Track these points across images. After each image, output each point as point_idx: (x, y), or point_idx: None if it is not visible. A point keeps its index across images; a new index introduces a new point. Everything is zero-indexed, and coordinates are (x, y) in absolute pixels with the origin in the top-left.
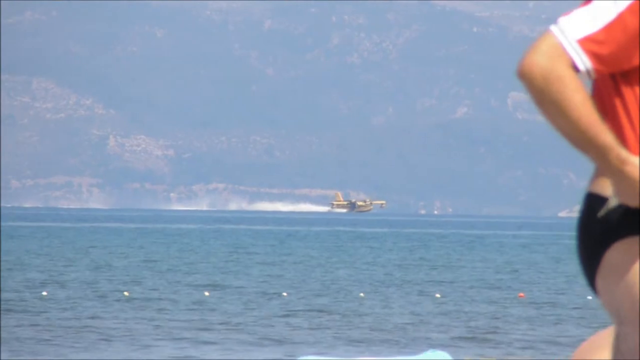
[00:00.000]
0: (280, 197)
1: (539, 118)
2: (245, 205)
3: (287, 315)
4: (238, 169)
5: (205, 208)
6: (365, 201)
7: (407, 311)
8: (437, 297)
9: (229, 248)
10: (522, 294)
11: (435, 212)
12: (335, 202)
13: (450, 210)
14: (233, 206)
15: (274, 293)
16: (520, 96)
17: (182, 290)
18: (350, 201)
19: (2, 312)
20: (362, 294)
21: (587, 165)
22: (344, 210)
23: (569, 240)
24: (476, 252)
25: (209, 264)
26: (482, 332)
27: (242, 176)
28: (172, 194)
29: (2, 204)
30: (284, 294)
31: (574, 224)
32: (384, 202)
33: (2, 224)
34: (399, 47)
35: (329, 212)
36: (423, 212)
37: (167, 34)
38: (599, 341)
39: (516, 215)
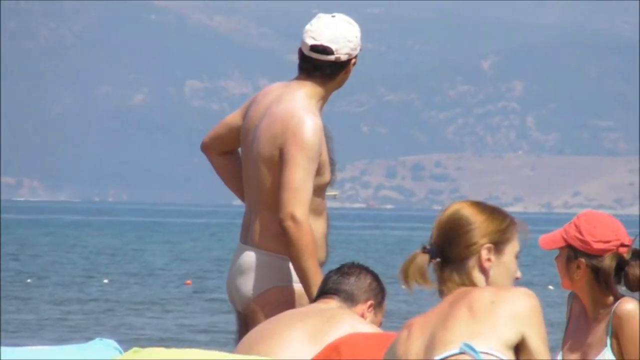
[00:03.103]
0: None
1: (215, 106)
2: None
3: None
4: None
5: None
6: None
7: (74, 298)
8: (105, 283)
9: None
10: (189, 281)
11: (110, 199)
12: None
13: (126, 197)
14: None
15: None
16: (197, 84)
17: None
18: None
19: None
20: (29, 280)
21: None
22: None
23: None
24: (151, 239)
25: None
26: (148, 321)
27: None
28: None
29: None
30: None
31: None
32: (337, 192)
33: None
34: (76, 34)
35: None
36: (97, 199)
37: None
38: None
39: (194, 203)
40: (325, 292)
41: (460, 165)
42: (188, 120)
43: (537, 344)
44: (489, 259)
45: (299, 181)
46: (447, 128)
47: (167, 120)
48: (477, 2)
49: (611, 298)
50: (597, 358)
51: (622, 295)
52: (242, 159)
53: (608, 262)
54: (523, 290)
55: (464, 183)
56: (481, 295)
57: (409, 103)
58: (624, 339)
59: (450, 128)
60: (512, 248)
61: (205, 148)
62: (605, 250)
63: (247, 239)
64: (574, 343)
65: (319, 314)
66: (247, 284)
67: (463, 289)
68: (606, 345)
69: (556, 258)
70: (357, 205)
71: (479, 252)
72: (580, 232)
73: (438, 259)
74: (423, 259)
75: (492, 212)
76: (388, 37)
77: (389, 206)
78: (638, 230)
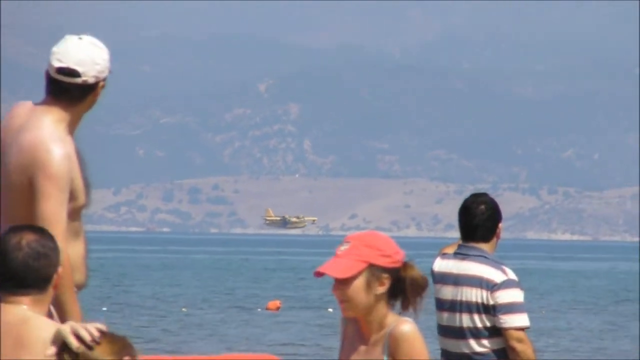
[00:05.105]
0: None
1: None
2: None
3: None
4: None
5: None
6: (298, 217)
7: None
8: None
9: None
10: None
11: None
12: (267, 218)
13: None
14: None
15: None
16: None
17: None
18: (283, 217)
19: None
20: None
21: None
22: (275, 227)
23: None
24: None
25: None
26: None
27: None
28: None
29: None
30: None
31: None
32: (315, 218)
33: None
34: None
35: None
36: None
37: None
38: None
39: None
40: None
41: (238, 188)
42: None
43: None
44: None
45: (51, 213)
46: (223, 151)
47: None
48: (253, 25)
49: (388, 320)
50: None
51: (399, 317)
52: None
53: (408, 270)
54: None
55: (241, 206)
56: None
57: (185, 126)
58: None
59: (226, 151)
60: None
61: None
62: (401, 261)
63: None
64: None
65: (5, 336)
66: None
67: None
68: None
69: (338, 288)
70: (134, 228)
71: None
72: (379, 249)
73: None
74: None
75: None
76: (163, 60)
77: (165, 229)
78: (414, 252)
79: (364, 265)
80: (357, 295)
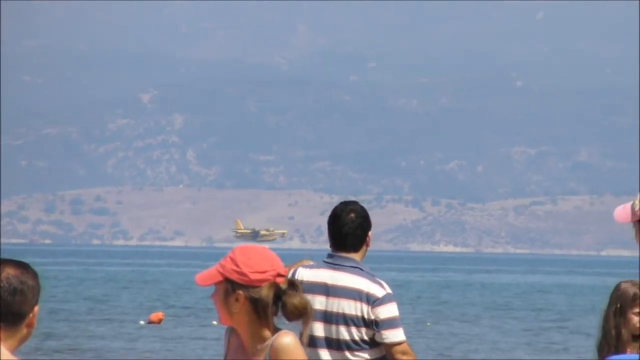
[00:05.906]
0: None
1: None
2: None
3: None
4: None
5: None
6: (268, 230)
7: None
8: None
9: None
10: None
11: None
12: (237, 230)
13: None
14: None
15: None
16: None
17: None
18: (253, 229)
19: None
20: None
21: None
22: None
23: None
24: None
25: None
26: None
27: None
28: None
29: None
30: None
31: None
32: (285, 231)
33: None
34: None
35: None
36: None
37: None
38: None
39: None
40: None
41: (121, 199)
42: None
43: None
44: None
45: None
46: (106, 162)
47: None
48: (136, 36)
49: (268, 331)
50: None
51: (279, 329)
52: None
53: (265, 292)
54: None
55: (124, 217)
56: None
57: (67, 136)
58: None
59: (110, 162)
60: None
61: None
62: (262, 281)
63: None
64: None
65: None
66: None
67: None
68: None
69: (212, 295)
70: (15, 240)
71: None
72: (236, 264)
73: None
74: None
75: None
76: (46, 70)
77: (47, 241)
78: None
79: (219, 278)
80: (218, 305)
